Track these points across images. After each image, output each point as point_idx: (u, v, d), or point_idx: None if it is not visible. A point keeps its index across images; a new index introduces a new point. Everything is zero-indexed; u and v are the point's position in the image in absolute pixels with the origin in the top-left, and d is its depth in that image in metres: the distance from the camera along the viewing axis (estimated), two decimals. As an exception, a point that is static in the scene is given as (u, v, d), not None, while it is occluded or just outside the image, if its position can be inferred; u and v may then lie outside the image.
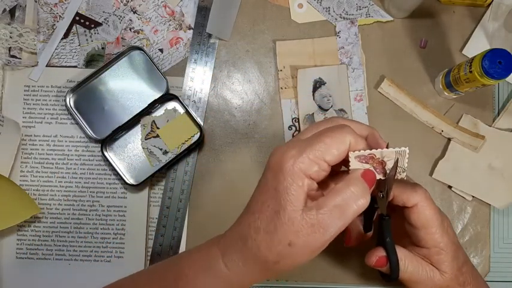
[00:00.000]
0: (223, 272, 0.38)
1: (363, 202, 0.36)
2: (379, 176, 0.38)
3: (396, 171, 0.38)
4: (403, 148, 0.37)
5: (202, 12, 0.57)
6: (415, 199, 0.40)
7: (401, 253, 0.41)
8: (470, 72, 0.48)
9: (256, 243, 0.36)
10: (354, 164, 0.38)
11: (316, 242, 0.35)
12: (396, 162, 0.38)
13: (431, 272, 0.41)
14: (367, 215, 0.43)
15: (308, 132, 0.39)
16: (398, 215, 0.42)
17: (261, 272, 0.38)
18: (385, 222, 0.41)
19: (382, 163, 0.38)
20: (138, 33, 0.57)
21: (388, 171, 0.38)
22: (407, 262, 0.41)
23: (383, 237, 0.41)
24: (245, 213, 0.39)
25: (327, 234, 0.35)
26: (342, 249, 0.46)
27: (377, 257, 0.42)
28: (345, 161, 0.38)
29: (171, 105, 0.56)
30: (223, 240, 0.40)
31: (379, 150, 0.37)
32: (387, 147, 0.38)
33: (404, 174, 0.39)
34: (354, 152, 0.37)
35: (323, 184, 0.40)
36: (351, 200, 0.36)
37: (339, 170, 0.42)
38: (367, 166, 0.38)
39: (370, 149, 0.37)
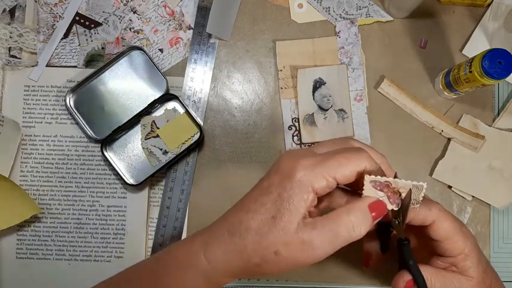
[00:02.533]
0: (203, 265, 0.38)
1: (357, 234, 0.36)
2: (391, 207, 0.38)
3: (410, 202, 0.38)
4: (421, 183, 0.37)
5: (202, 12, 0.57)
6: (431, 217, 0.40)
7: (427, 272, 0.41)
8: (470, 72, 0.48)
9: (244, 242, 0.36)
10: (368, 189, 0.37)
11: (302, 258, 0.35)
12: (409, 193, 0.37)
13: (458, 282, 0.41)
14: (382, 236, 0.43)
15: (322, 148, 0.39)
16: (417, 229, 0.42)
17: (241, 269, 0.37)
18: (405, 246, 0.40)
19: (397, 193, 0.38)
20: (138, 33, 0.57)
21: (402, 201, 0.38)
22: (434, 280, 0.41)
23: (406, 261, 0.41)
24: (238, 210, 0.38)
25: (315, 254, 0.35)
26: (342, 249, 0.46)
27: (404, 282, 0.41)
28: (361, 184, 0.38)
29: (171, 105, 0.56)
30: (209, 231, 0.39)
31: (395, 179, 0.37)
32: (395, 177, 0.38)
33: (418, 206, 0.39)
34: (370, 176, 0.37)
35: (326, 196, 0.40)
36: (346, 229, 0.36)
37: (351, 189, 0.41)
38: (381, 194, 0.38)
39: (387, 177, 0.37)
